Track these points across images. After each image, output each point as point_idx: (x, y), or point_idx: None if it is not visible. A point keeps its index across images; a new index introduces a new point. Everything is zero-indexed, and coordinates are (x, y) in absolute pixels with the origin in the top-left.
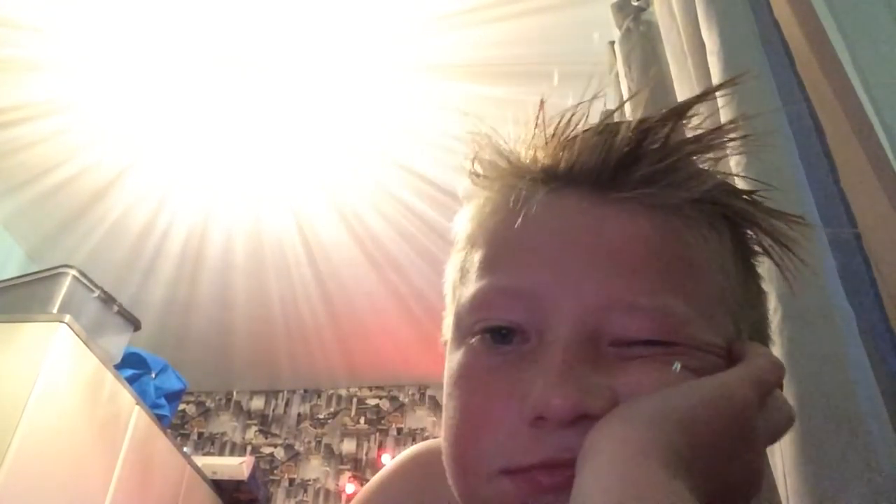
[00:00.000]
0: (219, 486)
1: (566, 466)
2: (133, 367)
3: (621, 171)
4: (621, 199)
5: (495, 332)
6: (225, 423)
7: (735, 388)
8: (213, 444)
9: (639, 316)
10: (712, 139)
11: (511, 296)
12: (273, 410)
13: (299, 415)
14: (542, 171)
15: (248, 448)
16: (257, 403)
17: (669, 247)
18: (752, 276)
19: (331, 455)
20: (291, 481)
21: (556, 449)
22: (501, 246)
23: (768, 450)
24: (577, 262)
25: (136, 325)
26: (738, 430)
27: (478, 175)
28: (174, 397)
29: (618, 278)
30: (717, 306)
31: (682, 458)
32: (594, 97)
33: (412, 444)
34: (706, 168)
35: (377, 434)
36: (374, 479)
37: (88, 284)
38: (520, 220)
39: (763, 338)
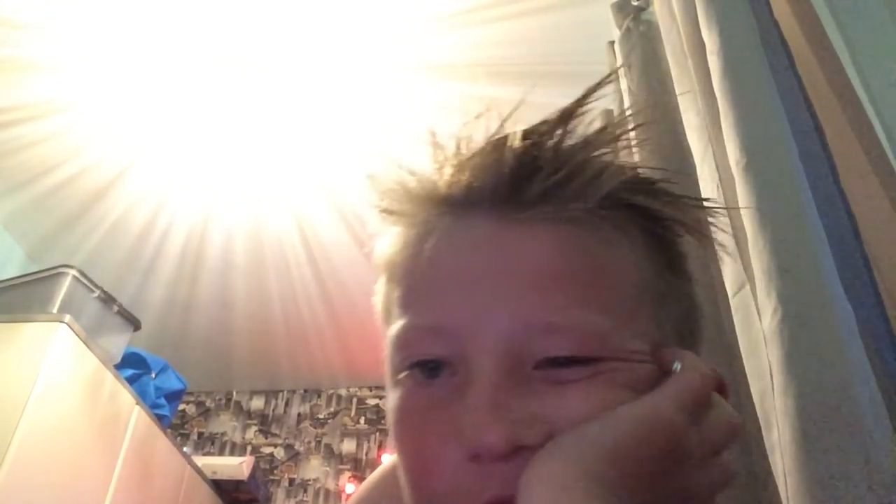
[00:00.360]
0: (219, 486)
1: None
2: (133, 367)
3: (518, 188)
4: (521, 218)
5: (423, 367)
6: (225, 423)
7: (659, 413)
8: (213, 444)
9: (556, 335)
10: (605, 136)
11: (429, 333)
12: (273, 410)
13: (299, 415)
14: (444, 199)
15: (248, 448)
16: (257, 403)
17: (576, 259)
18: (670, 269)
19: (331, 455)
20: (291, 481)
21: (499, 486)
22: (414, 282)
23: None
24: (485, 289)
25: (136, 325)
26: (666, 454)
27: (385, 210)
28: (174, 397)
29: (528, 300)
30: (636, 310)
31: (611, 487)
32: (481, 114)
33: None
34: (606, 166)
35: (377, 434)
36: (370, 478)
37: (88, 284)
38: (427, 253)
39: (692, 331)
